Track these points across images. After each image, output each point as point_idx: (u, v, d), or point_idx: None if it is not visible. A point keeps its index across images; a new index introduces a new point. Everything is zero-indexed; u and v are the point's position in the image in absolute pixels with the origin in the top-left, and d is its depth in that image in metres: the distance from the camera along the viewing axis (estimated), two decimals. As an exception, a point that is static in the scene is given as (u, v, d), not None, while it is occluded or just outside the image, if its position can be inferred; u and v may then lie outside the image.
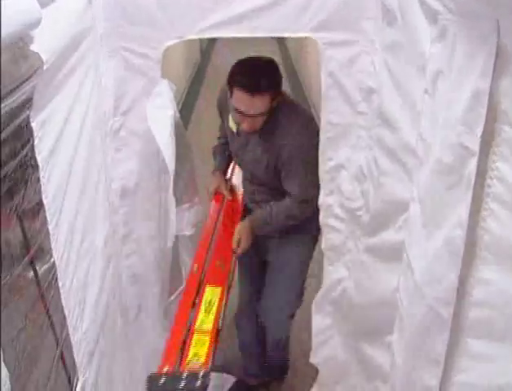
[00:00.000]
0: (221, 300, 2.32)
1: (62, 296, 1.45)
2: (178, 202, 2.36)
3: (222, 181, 2.91)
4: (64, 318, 1.48)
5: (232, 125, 2.48)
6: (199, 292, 2.35)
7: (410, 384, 1.51)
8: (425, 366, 1.40)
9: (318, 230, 2.46)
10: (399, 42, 1.72)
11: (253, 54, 2.37)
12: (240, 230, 2.56)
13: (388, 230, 1.77)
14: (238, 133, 2.49)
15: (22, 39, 1.13)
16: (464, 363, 1.27)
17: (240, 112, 2.25)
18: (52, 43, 1.30)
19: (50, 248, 1.36)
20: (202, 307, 2.26)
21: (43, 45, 1.21)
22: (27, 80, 1.16)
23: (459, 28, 1.23)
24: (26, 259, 1.30)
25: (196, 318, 2.20)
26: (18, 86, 1.12)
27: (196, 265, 2.49)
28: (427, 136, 1.40)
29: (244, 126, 2.31)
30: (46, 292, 1.40)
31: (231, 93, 2.25)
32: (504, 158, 1.08)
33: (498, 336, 1.15)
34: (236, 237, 2.55)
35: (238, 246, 2.55)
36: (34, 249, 1.33)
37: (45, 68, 1.22)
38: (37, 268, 1.36)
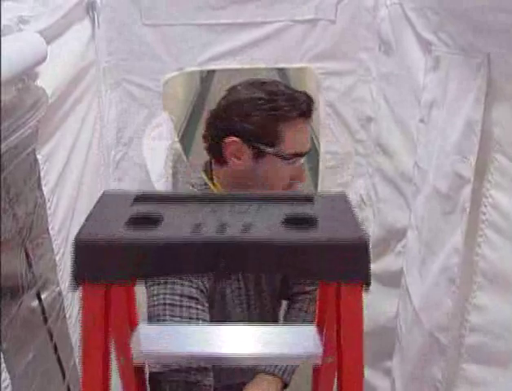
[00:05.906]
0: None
1: (69, 327, 1.45)
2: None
3: None
4: (71, 348, 1.48)
5: None
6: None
7: (410, 410, 1.51)
8: (425, 392, 1.41)
9: None
10: (394, 72, 1.75)
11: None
12: None
13: (387, 257, 1.78)
14: None
15: (28, 74, 1.15)
16: (463, 389, 1.27)
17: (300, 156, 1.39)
18: (57, 78, 1.33)
19: (57, 279, 1.37)
20: None
21: (48, 79, 1.23)
22: (32, 114, 1.17)
23: (452, 60, 1.26)
24: (32, 290, 1.30)
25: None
26: (24, 121, 1.13)
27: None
28: (423, 164, 1.42)
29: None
30: (52, 323, 1.39)
31: (277, 137, 1.36)
32: (497, 186, 1.10)
33: (497, 361, 1.16)
34: None
35: None
36: (41, 280, 1.33)
37: (50, 102, 1.24)
38: (43, 298, 1.36)
